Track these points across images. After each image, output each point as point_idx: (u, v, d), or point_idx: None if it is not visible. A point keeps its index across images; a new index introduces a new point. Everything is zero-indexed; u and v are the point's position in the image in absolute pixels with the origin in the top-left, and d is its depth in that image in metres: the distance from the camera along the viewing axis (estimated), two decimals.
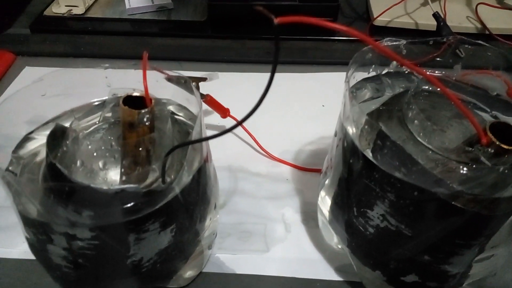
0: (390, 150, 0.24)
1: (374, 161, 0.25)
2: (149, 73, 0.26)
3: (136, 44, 0.61)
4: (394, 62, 0.31)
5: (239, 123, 0.20)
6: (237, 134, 0.47)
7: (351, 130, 0.27)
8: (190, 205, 0.27)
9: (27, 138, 0.29)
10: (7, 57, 0.57)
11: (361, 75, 0.31)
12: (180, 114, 0.31)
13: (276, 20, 0.18)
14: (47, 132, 0.26)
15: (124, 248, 0.25)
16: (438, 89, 0.29)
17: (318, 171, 0.42)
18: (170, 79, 0.30)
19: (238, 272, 0.34)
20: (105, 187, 0.23)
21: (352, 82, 0.29)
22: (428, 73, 0.22)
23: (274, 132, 0.47)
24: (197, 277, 0.33)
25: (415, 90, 0.29)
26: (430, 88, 0.30)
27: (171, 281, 0.31)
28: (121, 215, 0.23)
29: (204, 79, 0.44)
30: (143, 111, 0.25)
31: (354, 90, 0.30)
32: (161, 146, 0.27)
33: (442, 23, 0.59)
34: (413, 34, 0.62)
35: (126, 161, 0.27)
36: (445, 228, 0.24)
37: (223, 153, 0.43)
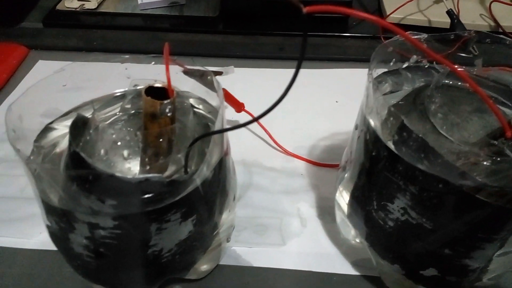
0: (414, 142, 0.24)
1: (398, 153, 0.25)
2: (169, 66, 0.26)
3: (148, 39, 0.61)
4: (415, 56, 0.31)
5: (256, 119, 0.20)
6: (251, 129, 0.47)
7: (374, 122, 0.27)
8: (210, 196, 0.27)
9: (47, 128, 0.29)
10: (20, 50, 0.58)
11: (380, 70, 0.31)
12: (200, 107, 0.31)
13: (305, 10, 0.18)
14: (67, 122, 0.26)
15: (145, 238, 0.25)
16: (459, 83, 0.29)
17: (333, 166, 0.42)
18: (187, 72, 0.30)
19: (255, 265, 0.34)
20: (129, 176, 0.23)
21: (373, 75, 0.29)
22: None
23: (288, 127, 0.47)
24: (213, 269, 0.33)
25: (436, 84, 0.28)
26: (451, 82, 0.30)
27: (189, 272, 0.31)
28: (144, 205, 0.23)
29: (219, 73, 0.44)
30: (165, 101, 0.25)
31: (376, 83, 0.30)
32: (182, 137, 0.27)
33: (456, 21, 0.58)
34: (426, 31, 0.61)
35: (147, 151, 0.27)
36: (467, 222, 0.24)
37: (238, 148, 0.43)
